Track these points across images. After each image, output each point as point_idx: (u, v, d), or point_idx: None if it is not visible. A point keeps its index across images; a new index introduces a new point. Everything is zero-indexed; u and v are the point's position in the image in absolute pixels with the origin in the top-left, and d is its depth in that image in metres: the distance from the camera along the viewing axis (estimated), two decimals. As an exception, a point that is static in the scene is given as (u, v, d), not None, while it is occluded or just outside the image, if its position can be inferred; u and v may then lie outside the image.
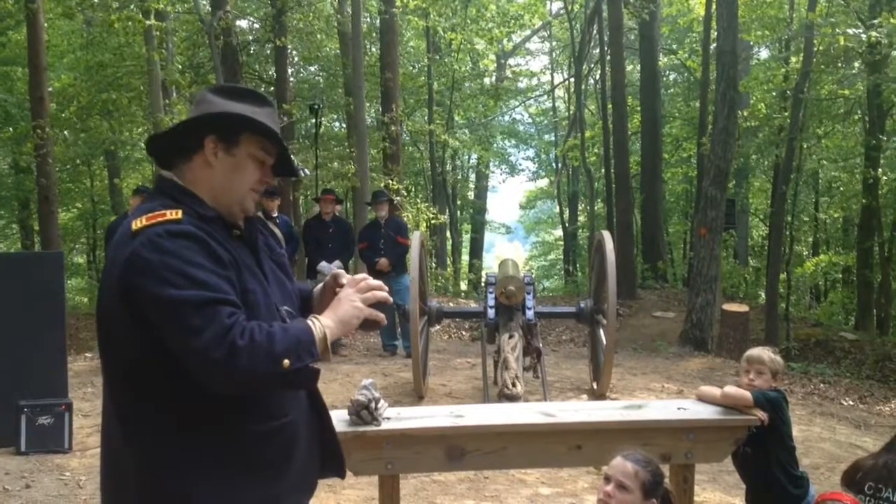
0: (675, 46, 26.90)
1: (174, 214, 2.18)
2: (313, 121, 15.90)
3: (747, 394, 3.98)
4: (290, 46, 19.35)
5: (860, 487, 3.85)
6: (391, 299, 2.42)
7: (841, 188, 23.93)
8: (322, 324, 2.24)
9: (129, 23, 14.46)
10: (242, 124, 2.32)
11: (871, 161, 18.45)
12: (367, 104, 18.88)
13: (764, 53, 25.79)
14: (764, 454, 4.08)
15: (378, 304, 2.36)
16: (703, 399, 4.15)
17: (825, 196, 25.25)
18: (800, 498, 4.11)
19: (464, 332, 14.02)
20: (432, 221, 20.16)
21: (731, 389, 4.00)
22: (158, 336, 2.11)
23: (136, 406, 2.20)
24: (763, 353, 4.24)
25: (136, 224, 2.16)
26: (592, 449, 3.86)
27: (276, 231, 10.42)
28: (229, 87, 2.45)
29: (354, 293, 2.34)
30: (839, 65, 17.65)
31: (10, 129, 19.29)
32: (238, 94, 2.40)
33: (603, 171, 23.28)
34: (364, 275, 2.43)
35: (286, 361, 2.10)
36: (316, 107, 15.47)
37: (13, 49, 19.00)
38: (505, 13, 25.44)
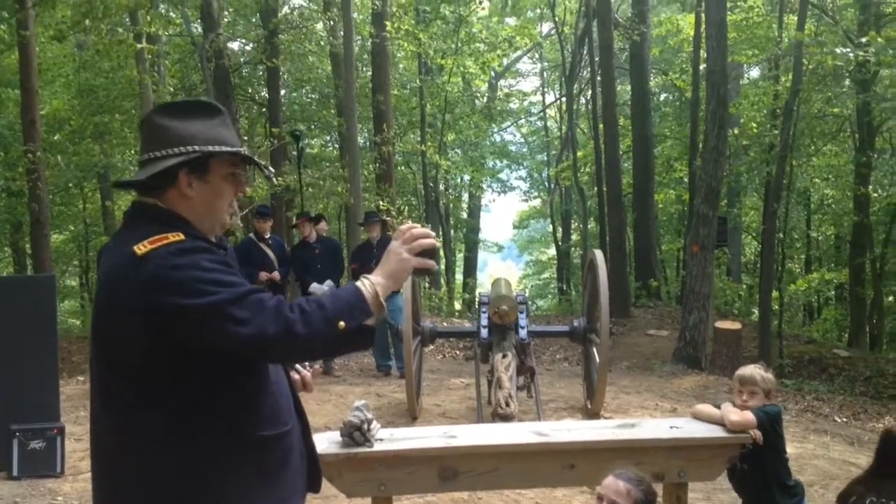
0: (664, 67, 27.06)
1: (176, 237, 2.23)
2: (298, 145, 15.92)
3: (750, 416, 3.98)
4: (282, 68, 19.43)
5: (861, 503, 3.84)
6: (438, 243, 2.43)
7: (832, 205, 24.04)
8: (372, 282, 2.32)
9: (121, 45, 14.49)
10: (212, 154, 2.36)
11: (862, 178, 18.56)
12: (360, 125, 18.94)
13: (754, 73, 25.98)
14: (762, 470, 4.11)
15: (426, 253, 2.37)
16: (699, 418, 4.15)
17: (817, 213, 25.35)
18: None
19: (458, 352, 13.99)
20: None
21: (735, 417, 3.98)
22: (182, 350, 2.18)
23: (148, 419, 2.23)
24: (755, 372, 4.24)
25: (141, 248, 2.20)
26: (586, 468, 3.86)
27: (269, 253, 10.43)
28: (178, 106, 2.46)
29: (400, 245, 2.37)
30: (828, 83, 17.78)
31: (2, 152, 19.28)
32: (188, 111, 2.42)
33: (595, 189, 23.36)
34: (409, 224, 2.47)
35: (341, 323, 2.20)
36: (297, 133, 15.51)
37: (4, 72, 19.01)
38: (495, 35, 25.58)
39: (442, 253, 27.87)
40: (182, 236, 2.24)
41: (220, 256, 2.28)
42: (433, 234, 2.41)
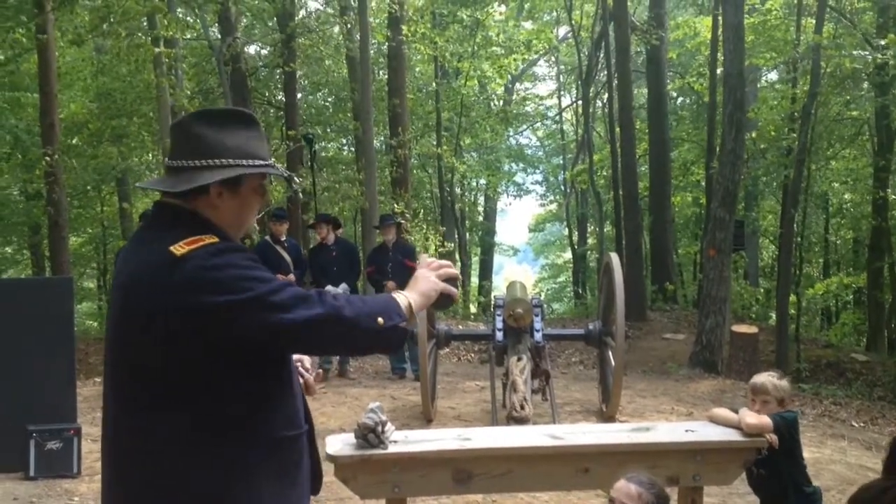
0: (681, 70, 26.97)
1: (210, 239, 2.26)
2: (311, 149, 15.88)
3: (767, 420, 3.96)
4: (299, 72, 19.48)
5: None
6: (460, 277, 2.71)
7: (851, 209, 23.88)
8: (406, 295, 2.47)
9: (139, 49, 14.58)
10: (258, 171, 2.42)
11: (880, 182, 18.43)
12: (376, 128, 18.96)
13: (772, 76, 25.85)
14: (778, 475, 4.09)
15: (450, 281, 2.58)
16: (715, 421, 4.13)
17: (836, 217, 25.20)
18: None
19: (472, 355, 13.98)
20: (438, 249, 20.16)
21: (752, 420, 3.95)
22: (235, 344, 2.22)
23: (171, 420, 2.23)
24: (767, 380, 4.21)
25: (179, 249, 2.22)
26: (600, 472, 3.84)
27: (285, 255, 10.46)
28: (217, 115, 2.47)
29: (429, 271, 2.56)
30: (847, 86, 17.68)
31: (20, 155, 19.40)
32: (227, 121, 2.43)
33: (611, 193, 23.30)
34: (432, 258, 2.68)
35: (380, 319, 2.32)
36: (310, 136, 15.48)
37: (22, 77, 19.15)
38: (511, 39, 25.57)
39: (457, 256, 27.88)
40: (216, 239, 2.27)
41: (253, 255, 2.34)
42: (456, 267, 2.66)
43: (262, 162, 2.41)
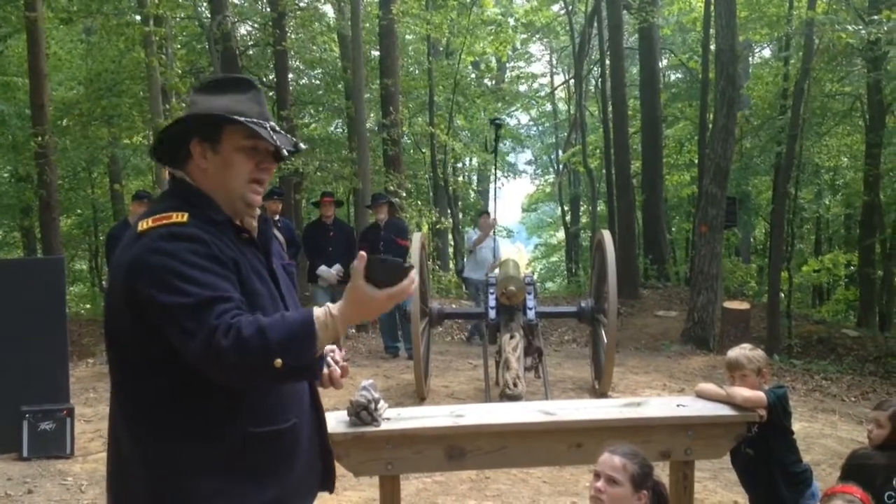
0: (676, 47, 26.87)
1: (180, 217, 2.19)
2: (497, 133, 15.73)
3: (762, 394, 3.96)
4: (291, 51, 19.34)
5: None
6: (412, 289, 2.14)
7: (844, 186, 23.89)
8: (332, 313, 2.09)
9: (130, 28, 14.47)
10: (219, 120, 2.28)
11: (872, 158, 18.45)
12: (368, 107, 18.86)
13: (766, 52, 25.81)
14: (766, 453, 4.08)
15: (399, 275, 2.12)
16: (703, 397, 4.14)
17: (828, 195, 25.20)
18: (800, 493, 4.11)
19: (465, 334, 14.00)
20: (437, 226, 20.12)
21: (748, 393, 3.94)
22: (162, 337, 2.13)
23: (142, 409, 2.22)
24: (740, 355, 4.18)
25: (143, 225, 2.19)
26: (593, 447, 3.83)
27: (278, 234, 10.42)
28: (211, 81, 2.42)
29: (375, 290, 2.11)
30: (840, 61, 17.63)
31: (10, 137, 19.27)
32: (219, 86, 2.38)
33: (604, 171, 23.28)
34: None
35: (278, 361, 2.00)
36: (499, 122, 15.50)
37: (10, 60, 18.99)
38: (504, 14, 25.45)
39: (450, 236, 27.85)
40: (185, 218, 2.19)
41: (212, 251, 2.16)
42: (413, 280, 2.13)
43: (232, 116, 2.26)
